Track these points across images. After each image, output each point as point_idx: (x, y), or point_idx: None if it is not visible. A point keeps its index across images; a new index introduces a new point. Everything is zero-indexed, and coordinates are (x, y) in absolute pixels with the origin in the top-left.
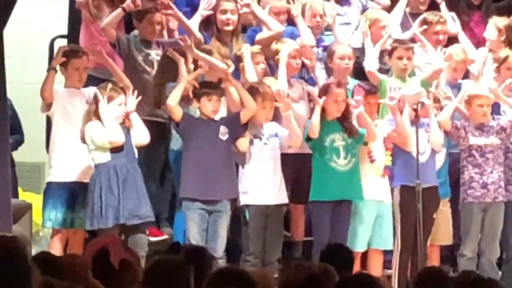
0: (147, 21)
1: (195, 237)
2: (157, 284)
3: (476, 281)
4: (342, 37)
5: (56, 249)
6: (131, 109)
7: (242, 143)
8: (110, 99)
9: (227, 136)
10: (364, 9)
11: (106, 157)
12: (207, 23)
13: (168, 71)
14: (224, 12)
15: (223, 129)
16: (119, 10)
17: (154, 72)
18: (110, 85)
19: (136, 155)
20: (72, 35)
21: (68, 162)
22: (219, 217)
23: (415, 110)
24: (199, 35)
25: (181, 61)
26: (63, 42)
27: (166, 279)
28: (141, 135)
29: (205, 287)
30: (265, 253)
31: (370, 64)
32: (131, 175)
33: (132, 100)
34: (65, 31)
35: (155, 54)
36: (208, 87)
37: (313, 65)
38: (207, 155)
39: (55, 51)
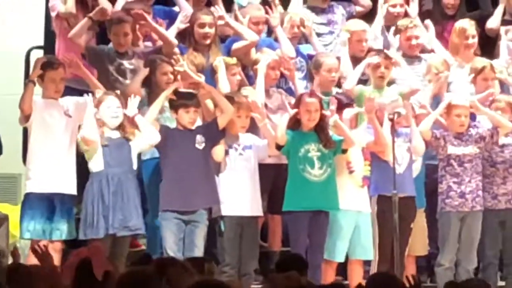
0: (113, 32)
1: (171, 247)
2: None
3: None
4: (321, 47)
5: (34, 261)
6: (134, 112)
7: (217, 152)
8: (99, 102)
9: (203, 145)
10: (349, 15)
11: (99, 166)
12: (184, 35)
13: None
14: (203, 25)
15: (199, 138)
16: (86, 19)
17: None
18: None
19: (135, 166)
20: (48, 46)
21: (47, 173)
22: (196, 227)
23: (391, 119)
24: (175, 42)
25: (142, 73)
26: (39, 53)
27: None
28: (150, 136)
29: None
30: (241, 263)
31: (350, 84)
32: (123, 185)
33: (132, 104)
34: (41, 42)
35: (128, 64)
36: (185, 98)
37: (292, 76)
38: (184, 165)
39: (31, 62)
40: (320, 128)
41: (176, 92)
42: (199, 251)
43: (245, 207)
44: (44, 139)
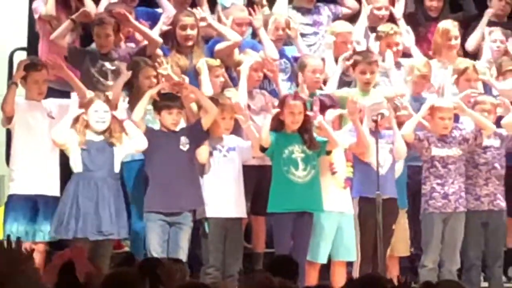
0: (95, 33)
1: (155, 249)
2: None
3: None
4: (305, 49)
5: None
6: (123, 117)
7: (201, 153)
8: (88, 104)
9: (188, 146)
10: (335, 16)
11: (77, 167)
12: (167, 37)
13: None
14: (184, 27)
15: (183, 139)
16: (68, 21)
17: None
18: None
19: (117, 170)
20: (32, 47)
21: (30, 175)
22: (181, 228)
23: (375, 121)
24: (159, 41)
25: (125, 76)
26: (23, 54)
27: None
28: (138, 143)
29: None
30: (225, 265)
31: (331, 87)
32: (99, 190)
33: (121, 107)
34: (24, 44)
35: (110, 65)
36: (169, 99)
37: (275, 77)
38: (168, 167)
39: (15, 63)
40: (304, 130)
41: (159, 93)
42: (183, 253)
43: (229, 208)
44: (27, 140)
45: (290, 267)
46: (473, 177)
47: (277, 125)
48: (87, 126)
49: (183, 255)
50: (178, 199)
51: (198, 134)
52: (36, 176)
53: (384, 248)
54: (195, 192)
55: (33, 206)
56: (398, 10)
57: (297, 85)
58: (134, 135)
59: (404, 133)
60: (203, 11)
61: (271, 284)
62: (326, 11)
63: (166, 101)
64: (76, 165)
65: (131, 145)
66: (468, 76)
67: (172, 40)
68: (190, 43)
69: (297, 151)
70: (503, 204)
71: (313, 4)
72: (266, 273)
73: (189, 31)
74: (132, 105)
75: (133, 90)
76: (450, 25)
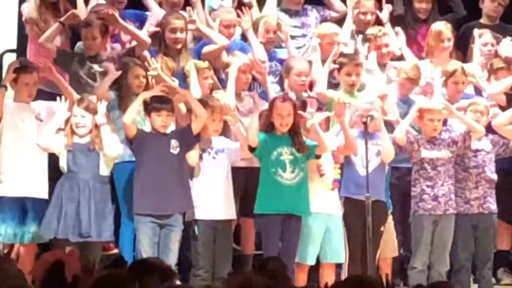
0: (83, 36)
1: (146, 251)
2: None
3: None
4: (295, 51)
5: None
6: (101, 121)
7: (192, 156)
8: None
9: (178, 149)
10: (323, 19)
11: (64, 169)
12: (154, 39)
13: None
14: (174, 30)
15: (174, 142)
16: (57, 24)
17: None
18: (78, 97)
19: (103, 173)
20: (21, 49)
21: (18, 177)
22: (171, 230)
23: (364, 123)
24: (148, 41)
25: (113, 74)
26: (12, 56)
27: None
28: (112, 148)
29: None
30: (215, 267)
31: (321, 88)
32: (83, 191)
33: (101, 111)
34: (14, 46)
35: (98, 67)
36: (158, 102)
37: (264, 79)
38: (158, 170)
39: (4, 65)
40: (294, 132)
41: (151, 97)
42: (173, 255)
43: (218, 210)
44: (15, 143)
45: (279, 268)
46: (462, 181)
47: (267, 126)
48: (72, 129)
49: (173, 257)
50: (168, 201)
51: (188, 138)
52: (25, 178)
53: (374, 250)
54: (185, 194)
55: (22, 208)
56: (385, 15)
57: (283, 89)
58: (108, 141)
59: (396, 136)
60: (197, 12)
61: (253, 284)
62: (314, 13)
63: (156, 103)
64: (64, 167)
65: (105, 151)
66: (457, 79)
67: (160, 42)
68: (179, 46)
69: (285, 153)
70: (493, 206)
71: (301, 6)
72: (251, 273)
73: (179, 34)
74: (122, 105)
75: (122, 90)
76: (443, 27)
